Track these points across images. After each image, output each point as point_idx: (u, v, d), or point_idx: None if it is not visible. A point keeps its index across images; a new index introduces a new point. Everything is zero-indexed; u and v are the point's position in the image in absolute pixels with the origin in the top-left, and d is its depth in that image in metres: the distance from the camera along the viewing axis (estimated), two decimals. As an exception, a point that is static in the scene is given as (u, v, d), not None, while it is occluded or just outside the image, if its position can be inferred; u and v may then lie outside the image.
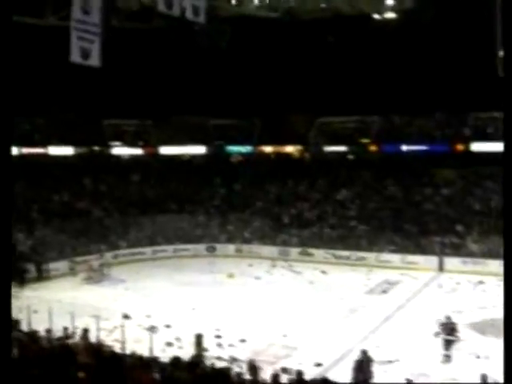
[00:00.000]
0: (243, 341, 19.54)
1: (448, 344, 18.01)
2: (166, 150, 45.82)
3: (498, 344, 19.36)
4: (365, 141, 42.60)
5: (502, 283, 25.91)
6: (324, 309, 24.12)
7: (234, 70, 41.26)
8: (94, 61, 14.39)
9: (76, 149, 43.27)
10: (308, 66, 41.97)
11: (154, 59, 39.26)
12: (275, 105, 43.26)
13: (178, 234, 38.84)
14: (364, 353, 15.32)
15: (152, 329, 18.41)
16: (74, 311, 17.58)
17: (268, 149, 45.67)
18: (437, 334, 18.92)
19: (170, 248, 37.44)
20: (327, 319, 22.58)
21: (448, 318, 18.74)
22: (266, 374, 12.81)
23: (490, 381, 14.00)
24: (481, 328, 21.37)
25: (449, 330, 18.21)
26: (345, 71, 42.22)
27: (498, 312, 23.32)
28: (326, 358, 17.75)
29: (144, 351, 13.80)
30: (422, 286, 28.90)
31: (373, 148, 42.04)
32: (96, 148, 44.43)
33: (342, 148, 43.40)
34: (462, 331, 20.90)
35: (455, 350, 18.36)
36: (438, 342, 19.53)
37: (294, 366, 15.04)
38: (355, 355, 17.59)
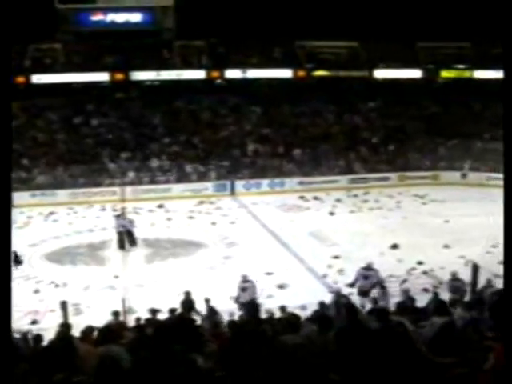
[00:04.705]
0: None
1: None
2: None
3: (73, 271, 20.95)
4: None
5: (71, 211, 27.58)
6: None
7: None
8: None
9: None
10: None
11: None
12: None
13: None
14: None
15: None
16: None
17: None
18: None
19: None
20: None
21: None
22: None
23: (69, 306, 15.10)
24: (56, 258, 22.07)
25: None
26: None
27: (70, 240, 24.84)
28: None
29: None
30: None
31: None
32: None
33: None
34: (39, 263, 21.80)
35: (36, 283, 19.34)
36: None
37: None
38: None
